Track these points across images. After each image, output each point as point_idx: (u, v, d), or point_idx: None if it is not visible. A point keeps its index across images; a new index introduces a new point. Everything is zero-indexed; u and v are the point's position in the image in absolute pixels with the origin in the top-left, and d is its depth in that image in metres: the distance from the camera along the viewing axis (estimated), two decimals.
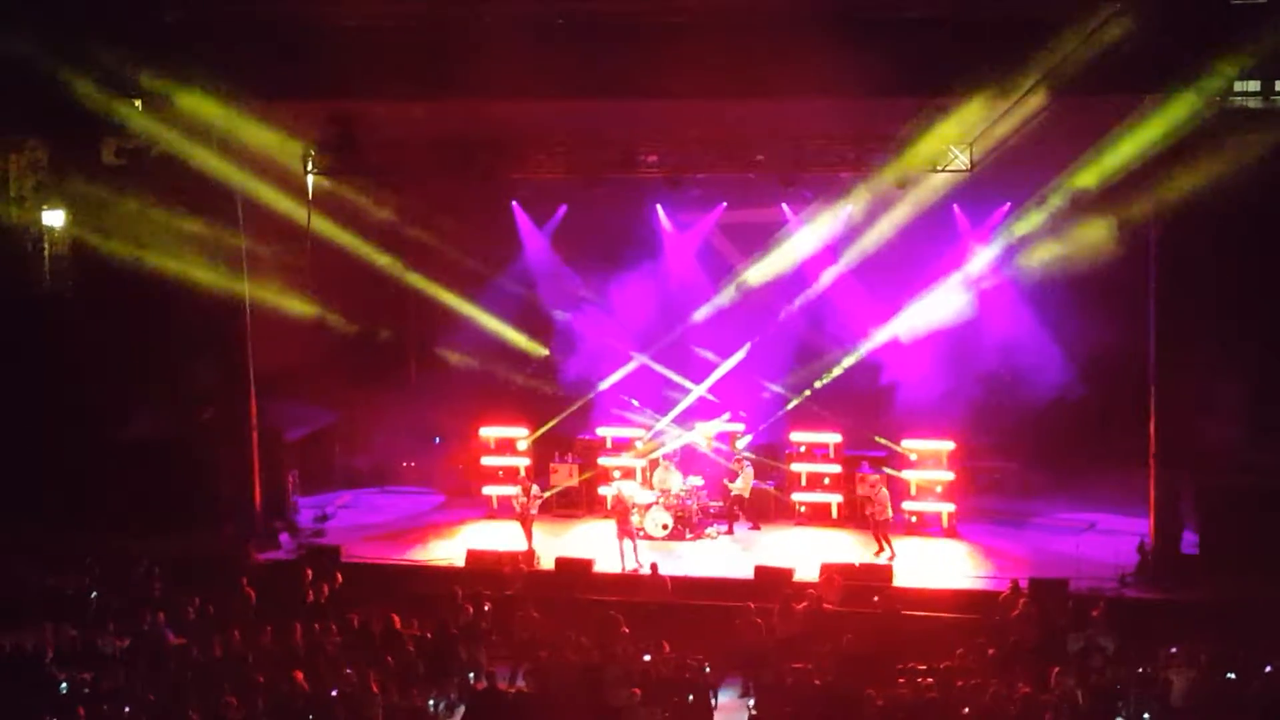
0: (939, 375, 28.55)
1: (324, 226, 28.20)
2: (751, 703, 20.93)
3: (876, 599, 23.68)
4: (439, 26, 24.95)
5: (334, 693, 19.93)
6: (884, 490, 26.63)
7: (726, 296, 29.95)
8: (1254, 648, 20.61)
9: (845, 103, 25.07)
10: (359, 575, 25.32)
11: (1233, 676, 20.06)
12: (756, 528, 28.54)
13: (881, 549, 26.23)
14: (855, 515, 27.91)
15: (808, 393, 29.30)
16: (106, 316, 28.18)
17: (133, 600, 23.81)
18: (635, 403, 29.83)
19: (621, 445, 29.61)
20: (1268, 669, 20.18)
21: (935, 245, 28.63)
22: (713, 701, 20.78)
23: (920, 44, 23.56)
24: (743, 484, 28.37)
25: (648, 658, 21.10)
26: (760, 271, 29.67)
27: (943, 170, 26.08)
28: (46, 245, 29.98)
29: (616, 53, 24.46)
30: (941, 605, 24.22)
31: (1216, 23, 23.22)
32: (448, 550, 27.23)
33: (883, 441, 28.61)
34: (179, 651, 21.79)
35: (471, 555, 26.30)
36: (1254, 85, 24.11)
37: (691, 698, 20.20)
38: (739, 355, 29.77)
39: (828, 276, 29.34)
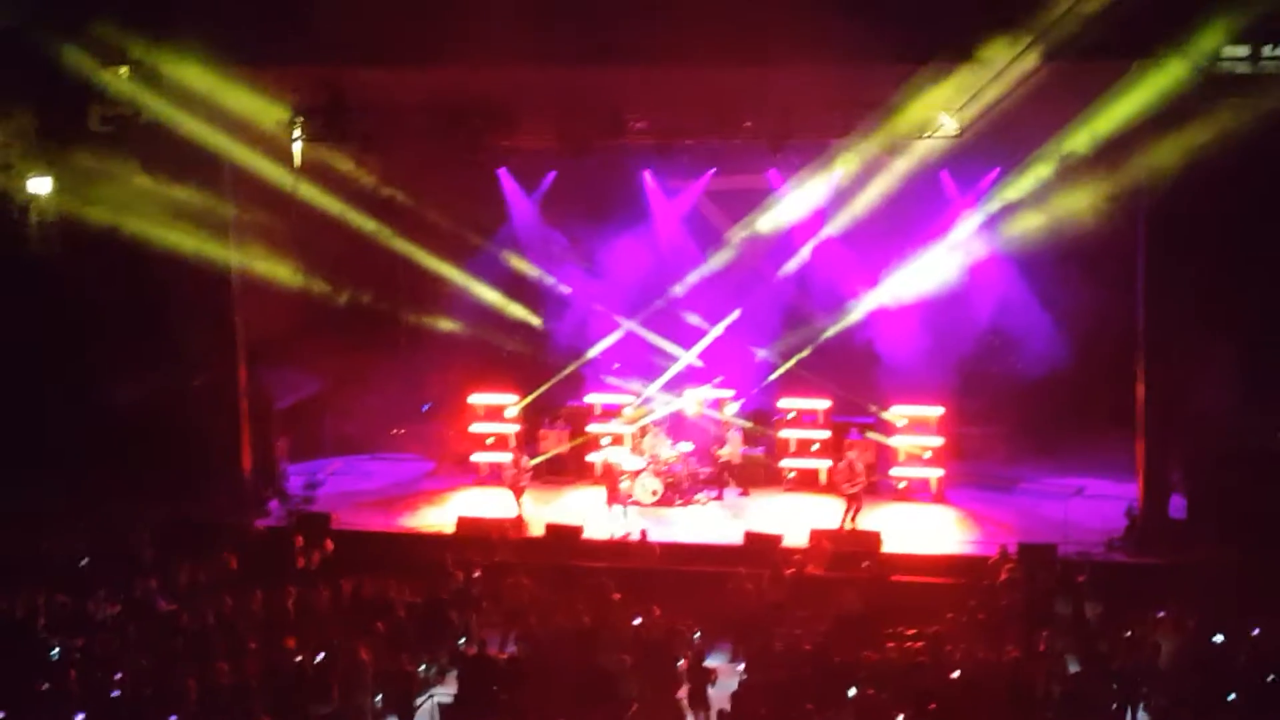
0: (928, 341, 28.58)
1: (312, 193, 28.11)
2: (741, 667, 20.97)
3: (866, 564, 23.79)
4: None
5: (323, 657, 20.00)
6: (859, 465, 26.31)
7: (717, 261, 29.95)
8: (1241, 612, 20.76)
9: (834, 69, 24.97)
10: (350, 542, 25.36)
11: (1220, 640, 20.21)
12: (746, 494, 28.59)
13: (845, 518, 25.94)
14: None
15: (798, 357, 29.30)
16: (94, 284, 28.05)
17: (124, 566, 23.84)
18: (616, 365, 29.89)
19: (611, 412, 29.66)
20: (1255, 632, 20.33)
21: (924, 211, 28.62)
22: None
23: (910, 8, 23.41)
24: (732, 450, 28.44)
25: (638, 621, 21.20)
26: (748, 235, 29.70)
27: (931, 136, 26.03)
28: (33, 213, 29.75)
29: (606, 18, 24.29)
30: (930, 570, 24.32)
31: None
32: (438, 517, 27.26)
33: (872, 408, 28.65)
34: (170, 617, 21.84)
35: (462, 522, 26.32)
36: (1242, 50, 24.00)
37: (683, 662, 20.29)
38: (728, 321, 29.80)
39: (816, 242, 29.37)
